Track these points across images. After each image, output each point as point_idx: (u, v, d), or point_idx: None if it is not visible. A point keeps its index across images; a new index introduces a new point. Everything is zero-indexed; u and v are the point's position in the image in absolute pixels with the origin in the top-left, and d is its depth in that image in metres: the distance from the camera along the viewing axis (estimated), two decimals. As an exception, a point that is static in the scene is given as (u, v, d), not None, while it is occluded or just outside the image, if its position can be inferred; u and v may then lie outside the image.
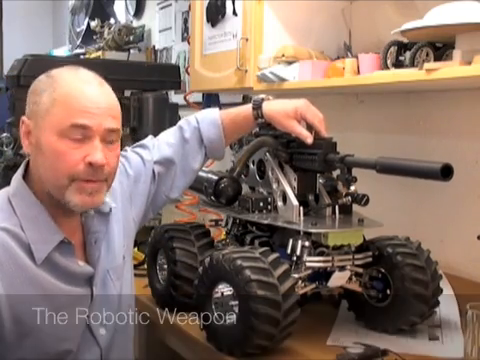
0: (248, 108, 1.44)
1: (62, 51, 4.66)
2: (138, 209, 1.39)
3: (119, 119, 1.17)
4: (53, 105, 1.10)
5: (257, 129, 1.63)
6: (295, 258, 1.37)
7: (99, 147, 1.11)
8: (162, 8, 3.39)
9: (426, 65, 1.35)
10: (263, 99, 1.44)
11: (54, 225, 1.14)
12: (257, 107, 1.42)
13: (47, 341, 1.12)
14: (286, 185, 1.44)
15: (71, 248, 1.16)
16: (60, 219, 1.16)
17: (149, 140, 1.46)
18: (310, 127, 1.43)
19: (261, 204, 1.48)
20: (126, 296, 1.30)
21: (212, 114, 1.47)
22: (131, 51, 3.51)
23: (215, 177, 1.55)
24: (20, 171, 1.18)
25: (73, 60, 3.04)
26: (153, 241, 1.68)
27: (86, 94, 1.12)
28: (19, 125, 1.16)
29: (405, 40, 1.47)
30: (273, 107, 1.42)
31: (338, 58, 1.81)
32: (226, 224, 1.66)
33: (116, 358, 1.26)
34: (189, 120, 1.47)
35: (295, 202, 1.41)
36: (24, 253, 1.10)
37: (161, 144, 1.45)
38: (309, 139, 1.39)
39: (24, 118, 1.14)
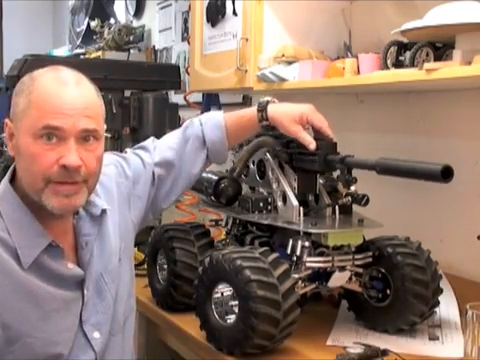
0: (253, 110, 1.44)
1: (62, 51, 4.66)
2: (137, 211, 1.38)
3: (97, 119, 1.14)
4: (29, 107, 1.10)
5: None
6: (295, 258, 1.37)
7: (73, 148, 1.09)
8: (162, 8, 3.39)
9: (426, 65, 1.35)
10: (268, 101, 1.43)
11: (41, 229, 1.13)
12: (262, 109, 1.42)
13: (37, 345, 1.11)
14: (286, 185, 1.44)
15: (59, 251, 1.15)
16: (49, 222, 1.15)
17: (150, 142, 1.45)
18: (316, 132, 1.44)
19: (261, 204, 1.48)
20: (124, 299, 1.28)
21: (216, 117, 1.46)
22: (131, 51, 3.51)
23: (215, 177, 1.56)
24: (8, 175, 1.17)
25: (73, 60, 3.04)
26: (153, 241, 1.68)
27: (59, 95, 1.10)
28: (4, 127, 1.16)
29: (405, 40, 1.46)
30: (278, 110, 1.42)
31: (338, 58, 1.81)
32: (226, 224, 1.66)
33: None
34: (193, 122, 1.47)
35: (295, 202, 1.41)
36: (11, 257, 1.09)
37: (162, 146, 1.44)
38: (312, 145, 1.39)
39: (7, 120, 1.14)
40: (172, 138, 1.46)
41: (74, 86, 1.13)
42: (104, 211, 1.24)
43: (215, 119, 1.45)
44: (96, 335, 1.19)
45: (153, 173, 1.40)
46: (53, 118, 1.08)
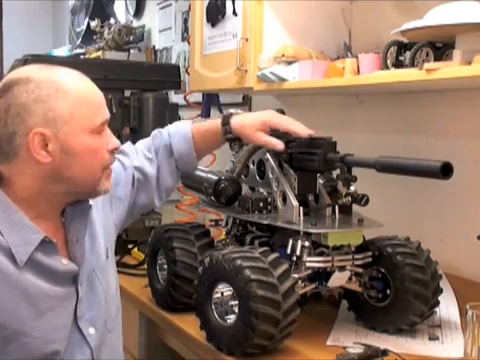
0: (217, 124, 1.45)
1: (62, 51, 4.66)
2: (119, 212, 1.40)
3: None
4: (75, 108, 1.12)
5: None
6: (295, 258, 1.37)
7: (111, 133, 1.21)
8: (162, 8, 3.39)
9: (426, 65, 1.35)
10: (232, 114, 1.45)
11: (33, 226, 1.14)
12: (226, 123, 1.44)
13: (33, 344, 1.12)
14: (286, 185, 1.44)
15: (53, 246, 1.16)
16: (40, 221, 1.16)
17: (128, 146, 1.47)
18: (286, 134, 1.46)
19: (261, 204, 1.48)
20: (112, 295, 1.31)
21: (184, 128, 1.48)
22: (131, 51, 3.51)
23: (215, 177, 1.55)
24: None
25: (73, 60, 3.04)
26: (153, 241, 1.68)
27: (94, 91, 1.19)
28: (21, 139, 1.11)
29: (405, 40, 1.46)
30: (241, 123, 1.44)
31: (338, 58, 1.81)
32: (226, 224, 1.66)
33: (107, 358, 1.26)
34: (161, 132, 1.49)
35: (295, 202, 1.41)
36: (5, 257, 1.10)
37: (140, 154, 1.46)
38: (279, 146, 1.41)
39: (38, 129, 1.10)
40: (145, 148, 1.48)
41: (90, 80, 1.20)
42: (90, 206, 1.25)
43: (183, 130, 1.47)
44: (91, 331, 1.21)
45: (133, 176, 1.42)
46: (105, 112, 1.19)
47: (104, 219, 1.33)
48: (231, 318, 1.32)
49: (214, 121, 1.48)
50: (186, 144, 1.46)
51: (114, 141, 1.21)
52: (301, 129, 1.43)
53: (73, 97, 1.13)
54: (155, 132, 1.50)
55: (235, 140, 1.47)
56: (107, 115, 1.20)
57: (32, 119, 1.10)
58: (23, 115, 1.10)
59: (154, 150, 1.47)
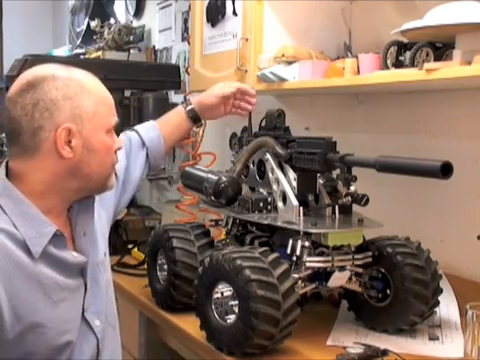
0: (179, 105, 1.66)
1: (62, 51, 4.65)
2: (109, 212, 1.44)
3: None
4: (97, 106, 1.18)
5: (257, 129, 1.64)
6: (295, 258, 1.37)
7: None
8: (162, 8, 3.38)
9: (426, 65, 1.35)
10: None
11: (45, 219, 1.16)
12: (186, 100, 1.65)
13: (48, 335, 1.14)
14: (286, 185, 1.44)
15: (63, 240, 1.18)
16: (49, 216, 1.18)
17: None
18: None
19: (261, 204, 1.49)
20: (111, 291, 1.35)
21: (148, 122, 1.66)
22: (131, 51, 3.50)
23: (215, 177, 1.55)
24: (2, 171, 1.18)
25: (73, 60, 3.04)
26: (153, 241, 1.68)
27: (108, 92, 1.24)
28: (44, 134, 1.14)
29: (405, 40, 1.46)
30: (199, 96, 1.65)
31: (338, 58, 1.81)
32: (226, 224, 1.66)
33: (109, 351, 1.28)
34: (126, 132, 1.59)
35: (295, 202, 1.41)
36: (20, 250, 1.11)
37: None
38: (252, 89, 1.66)
39: (67, 125, 1.14)
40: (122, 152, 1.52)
41: None
42: (94, 201, 1.28)
43: (147, 123, 1.64)
44: (97, 323, 1.24)
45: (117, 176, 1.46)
46: (115, 115, 1.25)
47: (98, 219, 1.35)
48: (231, 318, 1.32)
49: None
50: (154, 131, 1.61)
51: (119, 142, 1.27)
52: (249, 86, 1.68)
53: (95, 96, 1.18)
54: (121, 134, 1.55)
55: (197, 119, 1.63)
56: (117, 119, 1.25)
57: (60, 115, 1.14)
58: (52, 110, 1.13)
59: (126, 149, 1.52)
